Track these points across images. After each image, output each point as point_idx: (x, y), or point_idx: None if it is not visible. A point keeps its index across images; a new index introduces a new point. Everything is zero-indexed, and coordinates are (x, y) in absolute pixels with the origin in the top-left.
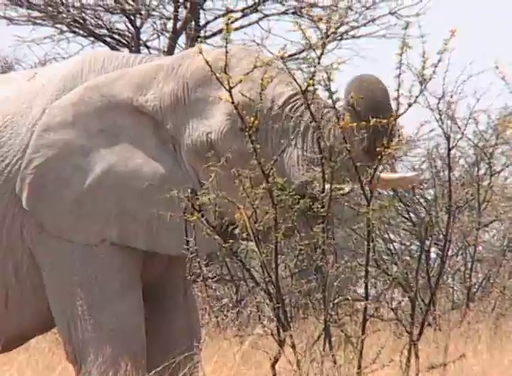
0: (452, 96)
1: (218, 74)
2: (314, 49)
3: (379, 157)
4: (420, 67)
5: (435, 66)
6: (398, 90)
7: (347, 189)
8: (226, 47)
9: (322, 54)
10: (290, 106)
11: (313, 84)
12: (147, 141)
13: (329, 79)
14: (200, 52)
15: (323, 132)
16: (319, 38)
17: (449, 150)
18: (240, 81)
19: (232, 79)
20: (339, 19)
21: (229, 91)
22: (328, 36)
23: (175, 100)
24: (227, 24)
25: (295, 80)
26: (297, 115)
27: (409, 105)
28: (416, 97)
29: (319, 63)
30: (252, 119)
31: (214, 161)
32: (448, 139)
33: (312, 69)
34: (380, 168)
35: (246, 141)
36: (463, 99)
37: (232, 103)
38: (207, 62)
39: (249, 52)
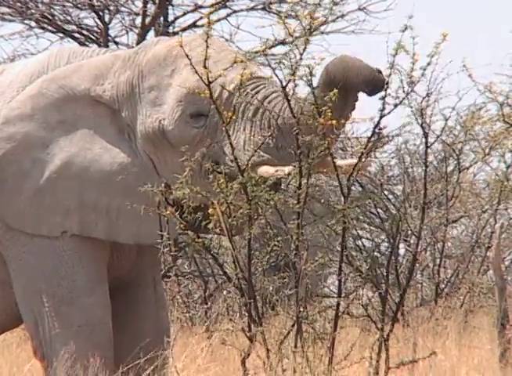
0: (428, 95)
1: (171, 65)
2: (296, 45)
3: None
4: (409, 69)
5: (424, 69)
6: (385, 90)
7: (286, 170)
8: (207, 41)
9: (305, 49)
10: (241, 90)
11: (294, 80)
12: (105, 130)
13: (311, 74)
14: (181, 45)
15: (301, 127)
16: (301, 33)
17: (427, 147)
18: (220, 76)
19: (209, 70)
20: (325, 15)
21: (208, 85)
22: (311, 32)
23: (130, 88)
24: (208, 18)
25: (276, 75)
26: (247, 100)
27: (395, 105)
28: (403, 98)
29: (301, 58)
30: (229, 114)
31: (167, 148)
32: (426, 136)
33: (294, 64)
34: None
35: (197, 127)
36: (444, 97)
37: (211, 97)
38: (187, 55)
39: (202, 40)
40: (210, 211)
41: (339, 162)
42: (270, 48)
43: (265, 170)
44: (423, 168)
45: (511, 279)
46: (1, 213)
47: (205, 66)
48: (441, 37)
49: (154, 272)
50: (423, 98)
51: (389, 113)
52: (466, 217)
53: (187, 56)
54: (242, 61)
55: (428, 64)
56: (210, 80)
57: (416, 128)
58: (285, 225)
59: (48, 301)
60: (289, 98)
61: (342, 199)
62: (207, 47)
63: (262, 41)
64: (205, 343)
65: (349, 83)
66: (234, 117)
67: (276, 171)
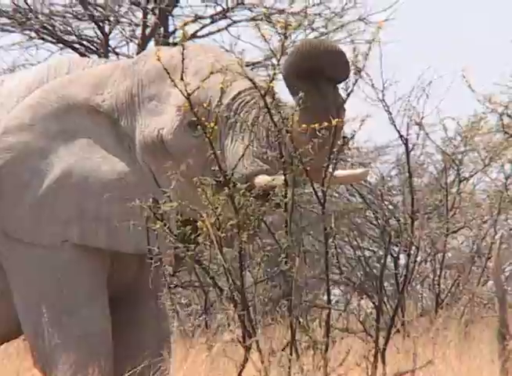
0: (384, 87)
1: (173, 75)
2: (273, 51)
3: (330, 157)
4: (354, 57)
5: (366, 54)
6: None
7: (269, 179)
8: (183, 54)
9: (281, 56)
10: (240, 101)
11: (273, 88)
12: (105, 140)
13: (272, 80)
14: (158, 59)
15: (283, 136)
16: (279, 40)
17: (408, 153)
18: (198, 88)
19: (187, 83)
20: (297, 23)
21: (188, 98)
22: (286, 37)
23: (130, 97)
24: (183, 30)
25: (254, 84)
26: (246, 110)
27: (348, 94)
28: (353, 85)
29: (278, 65)
30: (211, 123)
31: (166, 157)
32: (406, 143)
33: (272, 72)
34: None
35: (196, 136)
36: (418, 101)
37: (191, 109)
38: (165, 68)
39: (202, 49)
40: (199, 224)
41: (338, 172)
42: (270, 58)
43: (263, 179)
44: (408, 174)
45: (511, 289)
46: (1, 223)
47: (182, 79)
48: (377, 27)
49: (155, 282)
50: (382, 91)
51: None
52: (466, 227)
53: (165, 69)
54: (218, 71)
55: (369, 49)
56: (189, 91)
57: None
58: (273, 236)
59: (47, 311)
60: (269, 107)
61: (334, 207)
62: (183, 59)
63: (239, 52)
64: (205, 354)
65: (312, 71)
66: (230, 128)
67: (273, 180)
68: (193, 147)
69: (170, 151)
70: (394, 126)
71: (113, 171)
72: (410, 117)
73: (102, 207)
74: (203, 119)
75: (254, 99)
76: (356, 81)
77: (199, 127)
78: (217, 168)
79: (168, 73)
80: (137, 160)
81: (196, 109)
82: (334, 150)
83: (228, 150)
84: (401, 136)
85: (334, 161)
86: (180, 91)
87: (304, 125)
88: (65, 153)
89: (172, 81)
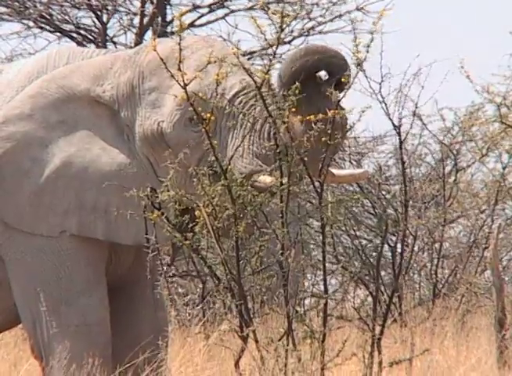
0: (383, 79)
1: (172, 67)
2: (269, 43)
3: (326, 148)
4: (354, 50)
5: (368, 46)
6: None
7: (268, 180)
8: (180, 44)
9: (277, 47)
10: (241, 98)
11: (268, 79)
12: (105, 131)
13: (267, 72)
14: (154, 49)
15: (279, 127)
16: (275, 33)
17: (401, 142)
18: (195, 78)
19: (186, 75)
20: (294, 13)
21: (184, 88)
22: (282, 29)
23: (130, 89)
24: (180, 20)
25: (250, 75)
26: (247, 108)
27: (348, 88)
28: (354, 78)
29: (274, 56)
30: (208, 114)
31: (165, 150)
32: (399, 133)
33: (268, 62)
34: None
35: (195, 131)
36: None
37: (188, 100)
38: (162, 60)
39: (204, 42)
40: (196, 213)
41: (339, 172)
42: (267, 48)
43: (263, 179)
44: (401, 164)
45: (509, 279)
46: (0, 212)
47: (179, 69)
48: (380, 14)
49: (152, 272)
50: (380, 83)
51: (343, 96)
52: (463, 217)
53: (162, 60)
54: (215, 61)
55: (371, 41)
56: (186, 82)
57: (415, 128)
58: (269, 225)
59: (46, 300)
60: (265, 98)
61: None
62: (181, 50)
63: (236, 43)
64: (202, 343)
65: (306, 68)
66: (232, 122)
67: (271, 181)
68: (192, 142)
69: (169, 144)
70: (388, 116)
71: (113, 162)
72: (402, 106)
73: (101, 198)
74: (199, 109)
75: (256, 95)
76: (357, 73)
77: (196, 118)
78: (214, 159)
79: (166, 65)
80: (136, 151)
81: (195, 101)
82: (332, 142)
83: (229, 146)
84: (394, 126)
85: (331, 155)
86: (177, 82)
87: (299, 117)
88: (65, 143)
89: (171, 74)
